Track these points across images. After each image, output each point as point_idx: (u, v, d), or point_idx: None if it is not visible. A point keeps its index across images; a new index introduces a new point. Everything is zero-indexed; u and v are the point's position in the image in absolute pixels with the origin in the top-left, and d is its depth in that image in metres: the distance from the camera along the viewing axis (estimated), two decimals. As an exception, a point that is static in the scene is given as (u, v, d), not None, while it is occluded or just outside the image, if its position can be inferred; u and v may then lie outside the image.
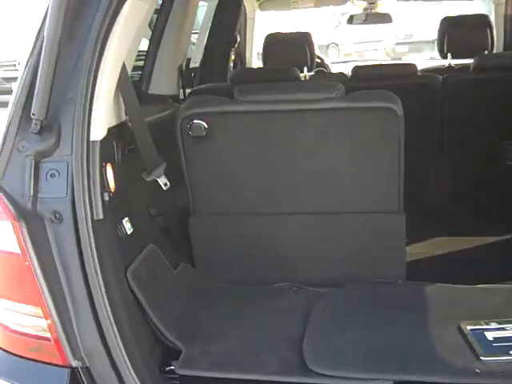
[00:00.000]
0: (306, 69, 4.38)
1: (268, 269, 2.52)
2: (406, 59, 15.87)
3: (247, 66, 5.26)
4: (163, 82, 3.22)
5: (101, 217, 1.84)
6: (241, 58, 5.24)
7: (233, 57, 4.66)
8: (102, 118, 1.89)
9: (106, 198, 1.89)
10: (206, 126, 2.31)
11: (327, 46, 17.35)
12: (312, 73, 5.06)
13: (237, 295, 2.45)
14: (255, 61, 5.56)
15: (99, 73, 1.85)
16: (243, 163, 2.40)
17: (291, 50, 4.34)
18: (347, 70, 6.20)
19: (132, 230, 2.22)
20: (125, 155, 2.27)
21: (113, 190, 2.06)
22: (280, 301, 2.40)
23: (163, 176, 2.33)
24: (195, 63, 4.28)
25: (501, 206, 3.52)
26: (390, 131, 2.29)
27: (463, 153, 3.51)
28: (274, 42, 4.39)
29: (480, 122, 3.42)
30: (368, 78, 3.42)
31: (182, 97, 3.37)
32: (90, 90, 1.83)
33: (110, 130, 2.03)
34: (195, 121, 2.31)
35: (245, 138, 2.36)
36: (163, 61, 3.18)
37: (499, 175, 3.54)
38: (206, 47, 4.48)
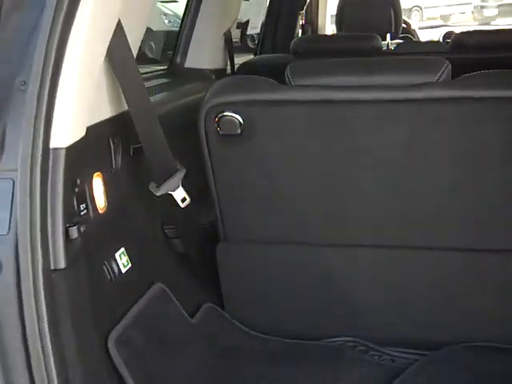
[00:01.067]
0: (389, 36, 3.58)
1: (323, 317, 1.79)
2: (496, 24, 14.59)
3: (319, 32, 4.45)
4: (204, 53, 2.51)
5: (62, 265, 1.17)
6: (312, 22, 4.44)
7: (301, 21, 3.87)
8: (73, 114, 1.20)
9: (75, 235, 1.21)
10: (242, 122, 1.57)
11: (410, 10, 16.09)
12: (398, 41, 4.23)
13: (277, 354, 1.74)
14: (329, 26, 4.74)
15: (67, 44, 1.16)
16: (294, 175, 1.64)
17: (372, 13, 3.53)
18: (435, 36, 5.34)
19: (130, 264, 1.54)
20: (128, 158, 1.59)
21: (102, 211, 1.44)
22: (338, 367, 1.67)
23: (181, 188, 1.63)
24: (254, 28, 3.53)
25: None
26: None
27: None
28: (350, 3, 3.59)
29: None
30: (475, 48, 2.57)
31: (229, 71, 2.65)
32: (49, 71, 1.14)
33: (93, 128, 1.35)
34: (226, 113, 1.57)
35: (297, 139, 1.60)
36: (204, 25, 2.46)
37: None
38: (268, 9, 3.73)
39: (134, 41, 1.52)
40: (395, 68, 1.59)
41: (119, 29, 1.38)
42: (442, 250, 1.64)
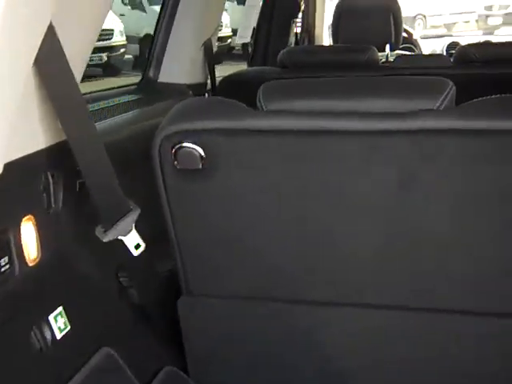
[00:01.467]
0: (388, 47, 3.33)
1: None
2: (500, 33, 14.26)
3: (316, 43, 4.19)
4: (180, 66, 2.25)
5: None
6: (308, 32, 4.18)
7: (295, 30, 3.61)
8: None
9: None
10: (203, 154, 1.30)
11: (414, 18, 15.78)
12: (399, 51, 3.98)
13: None
14: (327, 36, 4.49)
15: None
16: (266, 219, 1.36)
17: (370, 23, 3.27)
18: (439, 46, 5.05)
19: (69, 327, 1.28)
20: (73, 195, 1.33)
21: (33, 263, 1.20)
22: None
23: (134, 232, 1.36)
24: (242, 38, 3.26)
25: None
26: None
27: None
28: (346, 12, 3.33)
29: None
30: (481, 63, 2.31)
31: (210, 86, 2.39)
32: None
33: (17, 163, 1.10)
34: (185, 144, 1.29)
35: (269, 177, 1.32)
36: (180, 34, 2.20)
37: None
38: (259, 16, 3.47)
39: (77, 53, 1.25)
40: (389, 91, 1.31)
41: (51, 33, 1.10)
42: (439, 311, 1.37)
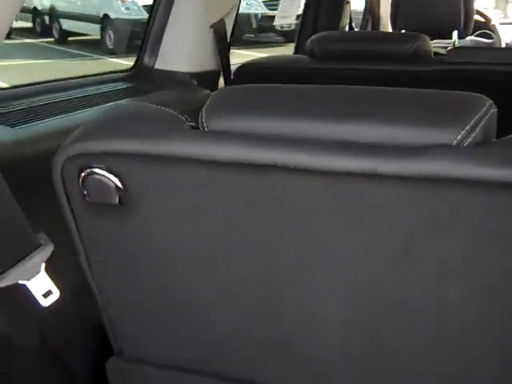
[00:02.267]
0: (455, 34, 2.83)
1: None
2: None
3: (382, 28, 3.71)
4: (181, 51, 1.87)
5: None
6: (373, 14, 3.71)
7: (349, 10, 3.15)
8: None
9: None
10: (120, 185, 0.90)
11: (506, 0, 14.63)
12: (472, 38, 3.46)
13: None
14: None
15: None
16: (204, 272, 0.93)
17: (434, 5, 2.79)
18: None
19: None
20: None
21: None
22: None
23: (42, 275, 1.00)
24: (284, 18, 2.86)
25: None
26: None
27: None
28: None
29: None
30: None
31: (222, 74, 2.00)
32: None
33: None
34: (95, 170, 0.91)
35: (207, 220, 0.89)
36: (182, 14, 1.82)
37: None
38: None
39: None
40: (390, 111, 0.87)
41: None
42: None
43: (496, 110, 0.84)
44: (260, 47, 9.27)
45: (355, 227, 0.84)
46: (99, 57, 8.84)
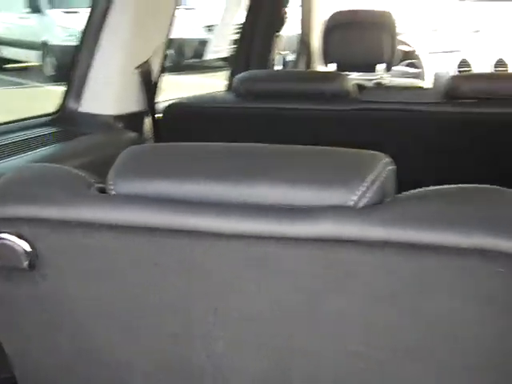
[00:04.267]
0: (379, 67, 2.94)
1: None
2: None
3: (313, 61, 3.79)
4: (107, 94, 1.89)
5: None
6: (306, 46, 3.79)
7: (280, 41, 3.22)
8: None
9: None
10: (29, 250, 0.92)
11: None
12: (398, 69, 3.58)
13: None
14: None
15: None
16: (123, 339, 0.96)
17: (362, 40, 2.89)
18: (450, 63, 4.57)
19: None
20: None
21: None
22: None
23: None
24: (216, 52, 2.91)
25: None
26: (504, 313, 0.81)
27: None
28: (335, 28, 2.94)
29: None
30: (472, 99, 1.90)
31: (149, 115, 2.03)
32: None
33: None
34: (3, 236, 0.92)
35: (115, 284, 0.92)
36: (108, 56, 1.85)
37: None
38: (241, 29, 3.12)
39: None
40: (292, 171, 0.91)
41: None
42: None
43: (394, 166, 0.88)
44: (202, 72, 9.34)
45: (261, 289, 0.88)
46: (38, 84, 8.74)
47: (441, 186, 0.88)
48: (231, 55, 3.19)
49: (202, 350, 0.94)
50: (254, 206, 0.84)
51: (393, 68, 3.18)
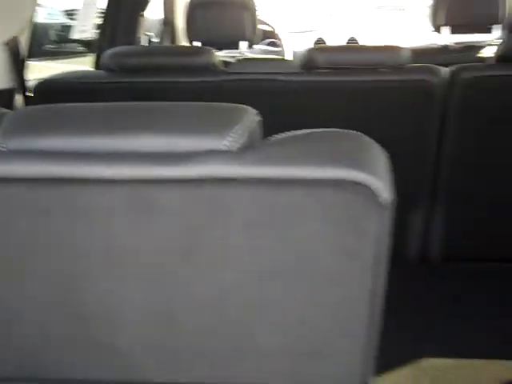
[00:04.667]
0: (242, 44, 3.08)
1: None
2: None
3: (178, 41, 3.89)
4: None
5: None
6: (169, 25, 3.87)
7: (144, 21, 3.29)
8: None
9: None
10: None
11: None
12: (260, 47, 3.75)
13: None
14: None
15: None
16: (14, 283, 1.04)
17: (224, 18, 3.02)
18: (308, 42, 4.84)
19: None
20: None
21: None
22: None
23: None
24: (82, 32, 2.93)
25: None
26: (350, 234, 0.98)
27: (470, 188, 2.22)
28: (200, 5, 3.06)
29: (504, 142, 2.13)
30: (326, 68, 2.09)
31: (20, 92, 2.04)
32: None
33: None
34: None
35: (13, 233, 1.00)
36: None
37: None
38: (106, 9, 3.15)
39: None
40: (169, 124, 1.01)
41: None
42: None
43: (260, 118, 1.01)
44: (63, 58, 9.11)
45: (146, 227, 0.98)
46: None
47: (300, 131, 1.03)
48: (97, 38, 3.21)
49: (89, 289, 1.03)
50: (138, 154, 0.95)
51: (254, 46, 3.35)
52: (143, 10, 3.19)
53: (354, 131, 1.02)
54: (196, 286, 1.03)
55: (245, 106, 1.03)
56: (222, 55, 3.07)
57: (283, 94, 2.02)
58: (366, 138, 1.01)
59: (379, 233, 0.95)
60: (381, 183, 0.92)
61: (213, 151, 0.94)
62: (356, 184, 0.92)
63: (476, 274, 2.31)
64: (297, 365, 1.08)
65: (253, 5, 3.07)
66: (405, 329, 1.98)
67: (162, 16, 3.87)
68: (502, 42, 2.06)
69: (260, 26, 3.56)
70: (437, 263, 2.32)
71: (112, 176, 0.94)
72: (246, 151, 0.95)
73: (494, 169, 2.14)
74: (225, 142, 0.95)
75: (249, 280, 1.01)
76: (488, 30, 2.88)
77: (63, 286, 1.04)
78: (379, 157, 0.98)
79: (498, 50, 2.07)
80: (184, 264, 1.01)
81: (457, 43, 3.10)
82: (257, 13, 3.12)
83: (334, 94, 2.04)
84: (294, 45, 4.27)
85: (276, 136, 1.02)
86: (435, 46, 3.16)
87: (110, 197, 0.97)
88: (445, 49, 3.08)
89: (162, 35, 3.91)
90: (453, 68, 2.05)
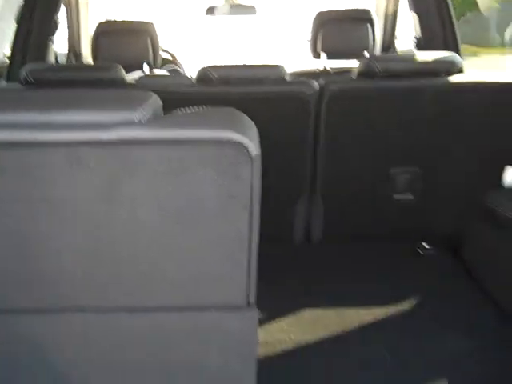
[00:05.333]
0: (145, 66, 3.44)
1: None
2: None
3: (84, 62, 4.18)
4: None
5: None
6: (75, 51, 4.16)
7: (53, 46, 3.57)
8: None
9: None
10: None
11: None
12: (161, 71, 4.10)
13: None
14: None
15: None
16: None
17: (128, 44, 3.37)
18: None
19: None
20: None
21: None
22: None
23: None
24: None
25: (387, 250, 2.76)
26: (231, 181, 1.35)
27: (341, 182, 2.66)
28: (105, 33, 3.40)
29: (365, 144, 2.58)
30: (219, 83, 2.48)
31: None
32: None
33: None
34: None
35: None
36: None
37: (385, 212, 2.75)
38: (16, 31, 3.40)
39: None
40: (92, 103, 1.37)
41: None
42: (155, 310, 1.46)
43: (161, 103, 1.38)
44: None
45: (77, 181, 1.31)
46: None
47: (192, 108, 1.40)
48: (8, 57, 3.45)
49: (33, 231, 1.35)
50: (73, 123, 1.29)
51: (157, 71, 3.71)
52: (53, 33, 3.46)
53: (233, 108, 1.40)
54: (116, 225, 1.36)
55: (151, 93, 1.40)
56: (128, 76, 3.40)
57: (182, 104, 2.39)
58: (240, 113, 1.40)
59: (252, 179, 1.32)
60: (250, 142, 1.30)
61: (128, 121, 1.30)
62: (233, 142, 1.29)
63: (350, 251, 2.77)
64: (194, 288, 1.43)
65: (154, 33, 3.44)
66: (286, 290, 2.46)
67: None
68: (361, 63, 2.53)
69: (162, 54, 3.94)
70: (319, 243, 2.77)
71: (53, 139, 1.27)
72: (151, 121, 1.32)
73: (356, 162, 2.60)
74: (136, 115, 1.30)
75: (154, 218, 1.36)
76: (363, 56, 3.39)
77: (11, 229, 1.34)
78: (249, 124, 1.37)
79: (358, 67, 2.52)
80: (106, 208, 1.33)
81: (333, 68, 3.60)
82: (157, 40, 3.49)
83: (225, 103, 2.42)
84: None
85: (175, 112, 1.39)
86: (317, 70, 3.64)
87: (51, 156, 1.29)
88: (325, 72, 3.57)
89: (67, 61, 4.19)
90: (322, 82, 2.48)
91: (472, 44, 10.37)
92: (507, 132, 2.53)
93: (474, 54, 9.61)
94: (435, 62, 2.48)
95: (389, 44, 4.07)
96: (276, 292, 2.35)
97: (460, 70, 2.52)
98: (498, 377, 1.99)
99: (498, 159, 2.58)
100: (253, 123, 1.40)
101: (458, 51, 3.23)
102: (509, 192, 2.49)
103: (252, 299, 1.45)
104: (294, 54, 5.87)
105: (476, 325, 2.26)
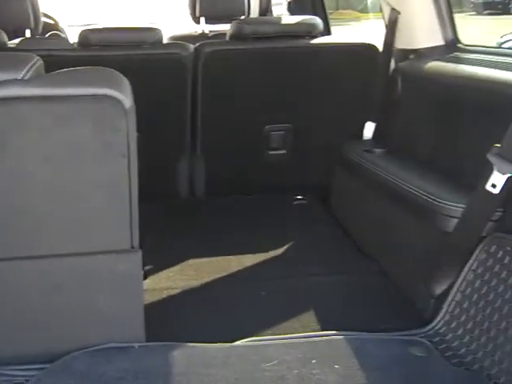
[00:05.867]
0: (28, 32, 3.47)
1: None
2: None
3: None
4: None
5: None
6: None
7: None
8: None
9: None
10: None
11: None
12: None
13: None
14: None
15: None
16: None
17: (7, 10, 3.39)
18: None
19: None
20: None
21: None
22: None
23: None
24: None
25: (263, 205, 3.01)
26: (108, 132, 1.53)
27: (219, 140, 2.88)
28: None
29: (240, 103, 2.80)
30: (98, 46, 2.61)
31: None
32: None
33: None
34: None
35: None
36: None
37: (261, 167, 2.99)
38: None
39: None
40: None
41: None
42: (47, 257, 1.64)
43: (42, 62, 1.54)
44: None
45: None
46: None
47: (74, 68, 1.58)
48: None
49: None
50: None
51: (37, 37, 3.73)
52: None
53: (108, 68, 1.59)
54: (5, 177, 1.53)
55: (33, 55, 1.56)
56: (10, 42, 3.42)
57: (64, 66, 2.51)
58: (114, 71, 1.59)
59: (128, 129, 1.52)
60: (125, 97, 1.49)
61: (14, 79, 1.45)
62: (108, 97, 1.48)
63: (230, 204, 3.00)
64: (81, 234, 1.62)
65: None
66: (172, 240, 2.67)
67: None
68: (232, 25, 2.73)
69: (43, 19, 3.94)
70: (202, 198, 2.99)
71: None
72: (34, 80, 1.48)
73: (232, 121, 2.82)
74: (21, 74, 1.46)
75: (41, 169, 1.54)
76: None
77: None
78: (123, 81, 1.56)
79: (230, 30, 2.73)
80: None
81: (212, 31, 3.79)
82: (39, 5, 3.52)
83: (105, 65, 2.57)
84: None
85: (60, 72, 1.56)
86: (195, 33, 3.82)
87: None
88: (203, 35, 3.75)
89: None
90: (197, 44, 2.66)
91: (355, 10, 10.85)
92: (366, 91, 2.81)
93: (357, 19, 10.05)
94: (297, 24, 2.72)
95: (266, 8, 4.30)
96: (162, 242, 2.55)
97: (327, 33, 2.76)
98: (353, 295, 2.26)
99: (360, 116, 2.86)
100: (126, 79, 1.59)
101: (325, 15, 3.51)
102: (362, 142, 2.79)
103: (136, 243, 1.66)
104: (177, 17, 5.99)
105: (336, 258, 2.54)
